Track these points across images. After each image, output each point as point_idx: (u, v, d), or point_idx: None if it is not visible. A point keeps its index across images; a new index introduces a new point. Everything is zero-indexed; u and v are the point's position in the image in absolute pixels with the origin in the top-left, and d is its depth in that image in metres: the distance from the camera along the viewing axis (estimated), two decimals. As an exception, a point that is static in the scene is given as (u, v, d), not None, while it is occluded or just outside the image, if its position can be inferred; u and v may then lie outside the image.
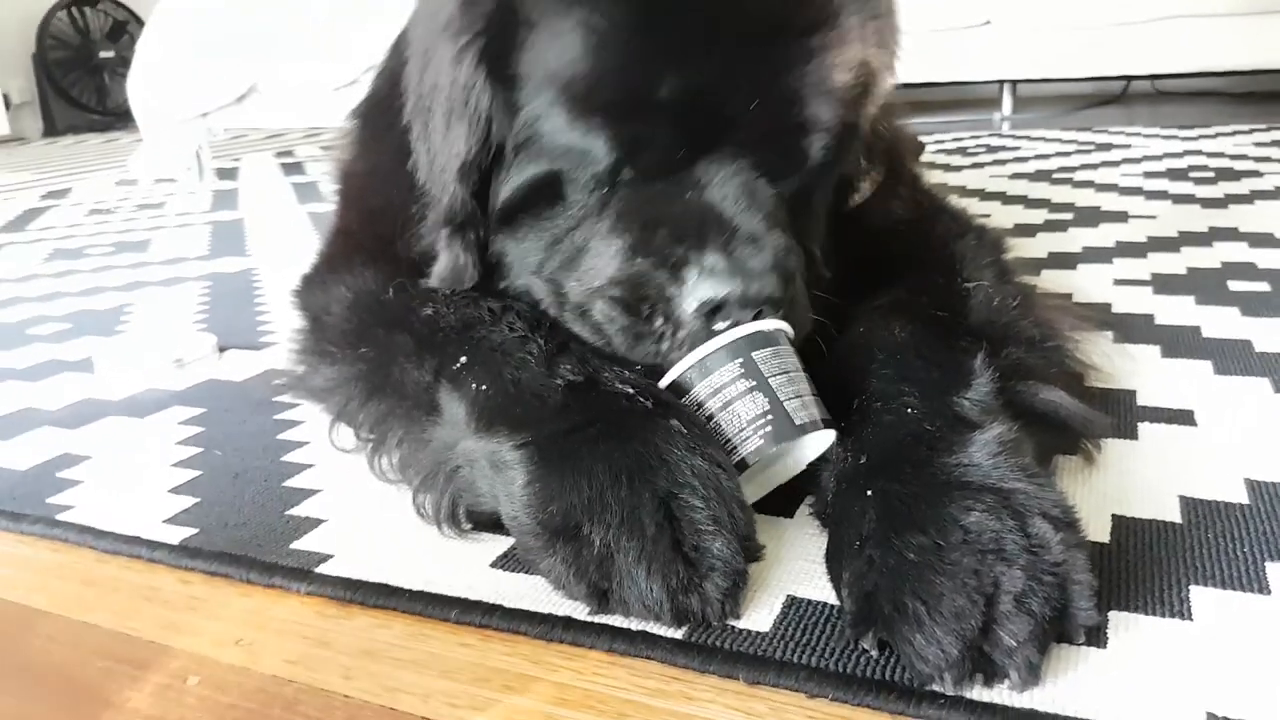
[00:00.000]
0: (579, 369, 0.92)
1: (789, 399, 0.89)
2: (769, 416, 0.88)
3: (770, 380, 0.89)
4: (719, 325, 0.91)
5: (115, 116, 7.49)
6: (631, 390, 0.89)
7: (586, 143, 0.93)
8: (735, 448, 0.88)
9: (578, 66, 0.90)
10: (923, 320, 1.00)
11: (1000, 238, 1.29)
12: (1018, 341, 1.02)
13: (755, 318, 0.91)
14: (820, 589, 0.83)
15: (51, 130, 7.58)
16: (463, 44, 0.97)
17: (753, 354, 0.89)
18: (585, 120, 0.92)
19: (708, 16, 0.88)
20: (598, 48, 0.89)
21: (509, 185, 1.00)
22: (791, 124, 0.93)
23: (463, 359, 0.97)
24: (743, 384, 0.88)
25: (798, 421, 0.88)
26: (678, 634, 0.78)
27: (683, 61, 0.88)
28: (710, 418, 0.89)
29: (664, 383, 0.92)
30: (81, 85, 7.70)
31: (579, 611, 0.82)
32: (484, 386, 0.93)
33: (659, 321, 0.92)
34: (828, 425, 0.90)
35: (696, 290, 0.90)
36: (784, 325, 0.93)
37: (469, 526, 0.95)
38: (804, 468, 0.94)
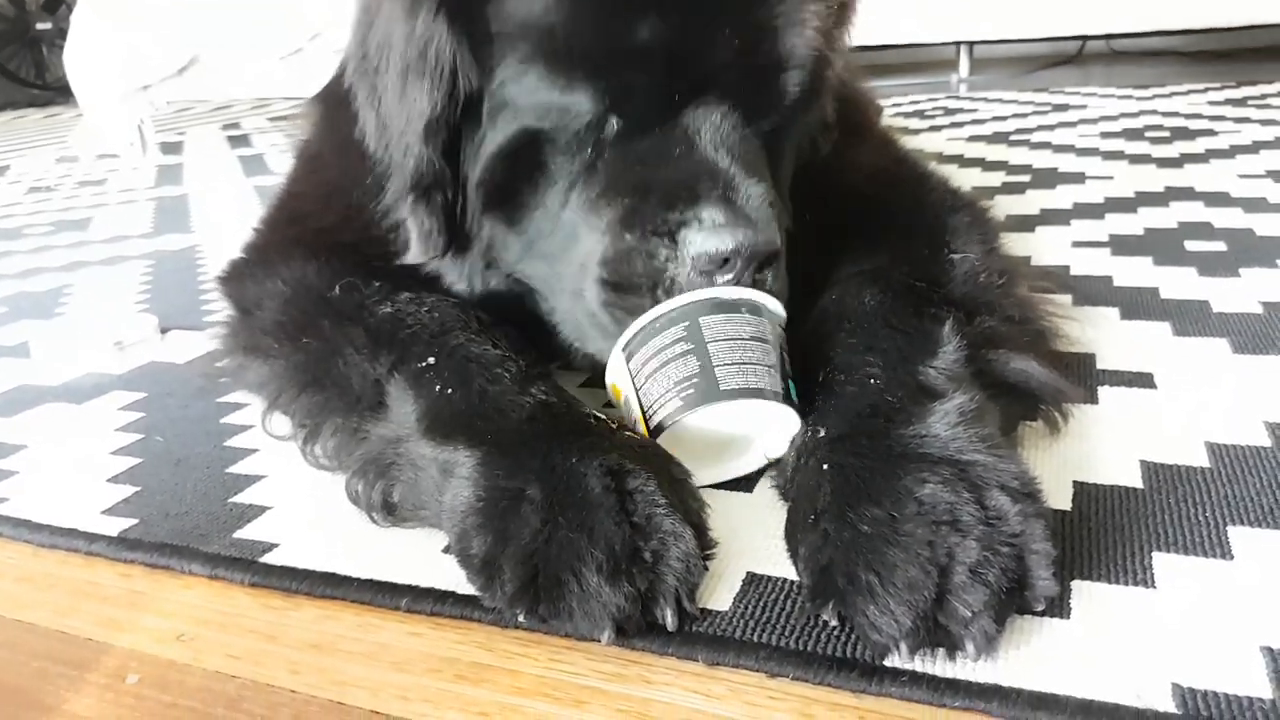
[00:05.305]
0: (552, 391, 0.91)
1: (723, 364, 0.85)
2: (694, 380, 0.85)
3: (710, 345, 0.86)
4: (720, 280, 0.87)
5: (55, 91, 7.26)
6: (600, 414, 0.89)
7: (567, 98, 0.90)
8: (654, 412, 0.86)
9: (551, 18, 0.87)
10: (897, 289, 0.98)
11: (987, 210, 1.27)
12: (992, 312, 1.00)
13: (755, 285, 0.89)
14: (780, 565, 0.81)
15: (-11, 106, 7.36)
16: None
17: (701, 318, 0.87)
18: (564, 74, 0.89)
19: None
20: None
21: (487, 149, 0.96)
22: (770, 60, 0.90)
23: (430, 360, 0.95)
24: (681, 347, 0.86)
25: (724, 387, 0.84)
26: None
27: (658, 4, 0.85)
28: (644, 381, 0.87)
29: (618, 345, 0.90)
30: (19, 59, 7.45)
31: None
32: (449, 390, 0.91)
33: (660, 295, 0.89)
34: (785, 401, 0.87)
35: (702, 245, 0.86)
36: (760, 298, 0.90)
37: (404, 518, 0.92)
38: (773, 457, 0.92)
